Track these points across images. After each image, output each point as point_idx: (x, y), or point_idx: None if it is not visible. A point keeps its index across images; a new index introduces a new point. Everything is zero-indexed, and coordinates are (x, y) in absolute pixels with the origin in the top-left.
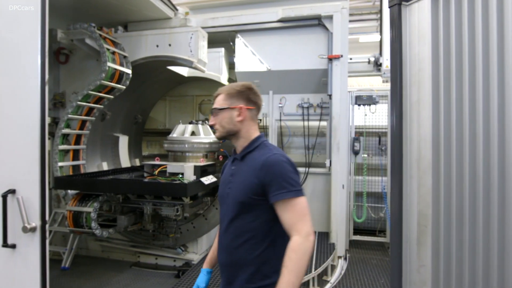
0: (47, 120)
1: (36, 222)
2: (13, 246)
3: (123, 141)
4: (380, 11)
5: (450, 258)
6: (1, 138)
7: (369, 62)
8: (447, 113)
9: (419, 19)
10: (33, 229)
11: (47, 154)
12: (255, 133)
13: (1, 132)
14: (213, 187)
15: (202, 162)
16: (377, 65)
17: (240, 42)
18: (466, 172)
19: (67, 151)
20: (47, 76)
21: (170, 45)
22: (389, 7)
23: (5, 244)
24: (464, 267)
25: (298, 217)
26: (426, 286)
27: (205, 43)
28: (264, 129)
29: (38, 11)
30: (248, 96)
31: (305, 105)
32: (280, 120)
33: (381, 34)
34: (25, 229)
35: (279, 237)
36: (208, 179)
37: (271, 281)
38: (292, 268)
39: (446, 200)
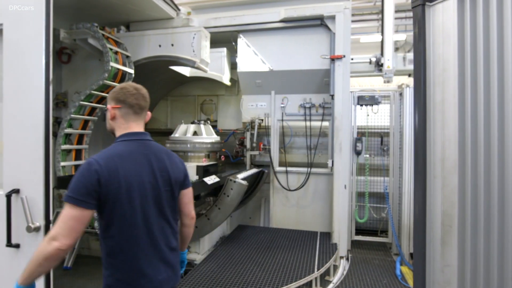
0: (51, 120)
1: (40, 221)
2: (17, 246)
3: None
4: (382, 12)
5: (477, 258)
6: (5, 138)
7: (370, 62)
8: (474, 113)
9: (443, 19)
10: (37, 229)
11: (51, 153)
12: (122, 132)
13: (5, 132)
14: (216, 187)
15: (205, 162)
16: (378, 65)
17: (242, 42)
18: (495, 172)
19: (69, 151)
20: (51, 76)
21: (172, 45)
22: (412, 8)
23: (9, 244)
24: (493, 267)
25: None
26: (451, 286)
27: (208, 43)
28: (266, 129)
29: (42, 12)
30: (117, 96)
31: (307, 105)
32: (282, 120)
33: (382, 34)
34: (29, 229)
35: (102, 234)
36: (210, 179)
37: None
38: (27, 267)
39: (473, 200)
